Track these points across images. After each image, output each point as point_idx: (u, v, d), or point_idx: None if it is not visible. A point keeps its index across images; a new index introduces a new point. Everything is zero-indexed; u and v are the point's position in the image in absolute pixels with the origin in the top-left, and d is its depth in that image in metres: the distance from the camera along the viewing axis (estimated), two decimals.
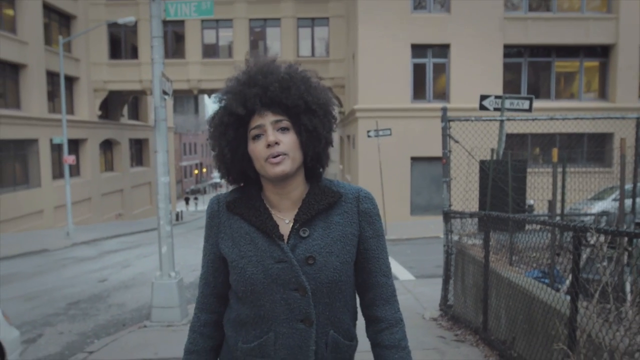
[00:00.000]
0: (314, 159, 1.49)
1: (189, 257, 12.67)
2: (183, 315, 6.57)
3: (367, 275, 1.53)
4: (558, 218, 5.52)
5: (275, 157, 1.39)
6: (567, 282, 4.27)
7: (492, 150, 6.35)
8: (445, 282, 6.53)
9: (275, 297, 1.42)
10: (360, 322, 1.59)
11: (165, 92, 6.44)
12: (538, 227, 5.10)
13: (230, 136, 1.44)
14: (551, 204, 5.44)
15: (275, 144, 1.39)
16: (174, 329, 6.21)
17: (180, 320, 6.48)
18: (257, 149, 1.41)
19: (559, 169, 5.95)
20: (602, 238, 3.52)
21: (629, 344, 2.60)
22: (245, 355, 1.47)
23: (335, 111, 1.52)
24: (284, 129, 1.42)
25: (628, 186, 5.98)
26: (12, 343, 4.23)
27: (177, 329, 6.22)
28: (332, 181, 1.54)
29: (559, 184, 6.04)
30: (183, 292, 6.76)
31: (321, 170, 1.53)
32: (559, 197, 5.78)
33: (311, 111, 1.43)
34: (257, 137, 1.42)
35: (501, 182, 6.25)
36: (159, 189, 6.66)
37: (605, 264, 3.99)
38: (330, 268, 1.43)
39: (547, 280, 4.82)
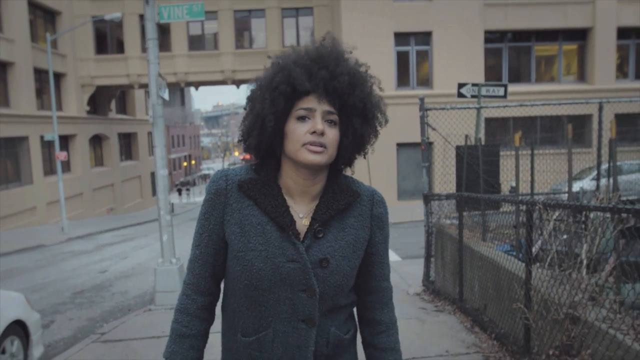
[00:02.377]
0: (345, 162, 1.45)
1: (184, 247, 13.09)
2: None
3: (370, 279, 1.50)
4: (522, 197, 6.05)
5: (316, 145, 1.32)
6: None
7: (466, 136, 6.86)
8: (427, 260, 7.06)
9: (281, 295, 1.36)
10: None
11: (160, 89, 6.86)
12: (512, 207, 5.64)
13: (280, 106, 1.32)
14: (515, 185, 5.97)
15: (321, 134, 1.32)
16: None
17: None
18: (299, 130, 1.32)
19: (525, 152, 6.46)
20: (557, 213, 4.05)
21: (568, 298, 3.12)
22: (245, 347, 1.43)
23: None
24: (331, 122, 1.34)
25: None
26: (35, 325, 4.69)
27: None
28: (348, 177, 1.50)
29: (529, 166, 6.56)
30: (184, 277, 7.22)
31: (344, 167, 1.49)
32: (525, 178, 6.31)
33: (366, 117, 1.39)
34: (302, 118, 1.33)
35: (476, 165, 6.76)
36: (158, 181, 7.11)
37: (564, 237, 4.53)
38: (341, 272, 1.39)
39: (515, 253, 5.35)
